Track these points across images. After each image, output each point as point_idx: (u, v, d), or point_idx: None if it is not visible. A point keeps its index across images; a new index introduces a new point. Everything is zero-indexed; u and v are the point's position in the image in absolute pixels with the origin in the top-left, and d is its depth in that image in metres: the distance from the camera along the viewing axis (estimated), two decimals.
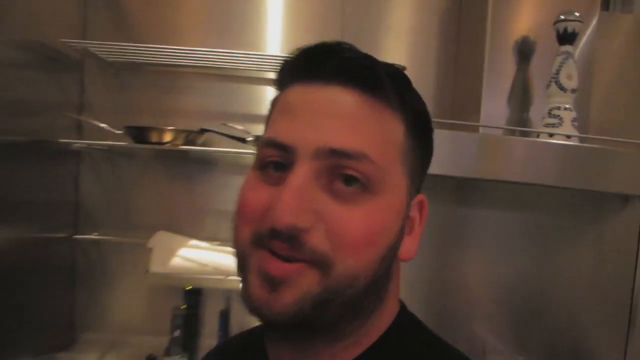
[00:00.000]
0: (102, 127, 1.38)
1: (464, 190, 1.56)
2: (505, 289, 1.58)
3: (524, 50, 1.39)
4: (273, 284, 0.46)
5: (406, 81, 0.53)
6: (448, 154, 1.13)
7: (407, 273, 1.52)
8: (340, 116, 0.47)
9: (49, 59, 1.33)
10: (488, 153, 1.19)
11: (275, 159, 0.49)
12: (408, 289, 1.53)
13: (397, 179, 0.50)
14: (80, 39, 1.42)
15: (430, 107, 0.54)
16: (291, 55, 0.52)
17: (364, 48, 0.51)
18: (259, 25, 1.51)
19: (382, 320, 0.54)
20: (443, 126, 1.23)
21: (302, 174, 0.46)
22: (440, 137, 1.12)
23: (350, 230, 0.46)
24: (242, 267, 0.49)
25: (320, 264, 0.45)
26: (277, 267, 0.46)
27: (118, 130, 1.39)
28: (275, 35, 1.51)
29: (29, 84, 1.26)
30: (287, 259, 0.46)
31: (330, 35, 0.51)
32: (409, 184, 0.52)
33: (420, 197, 0.55)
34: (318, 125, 0.47)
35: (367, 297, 0.49)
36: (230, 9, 1.50)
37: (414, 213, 0.54)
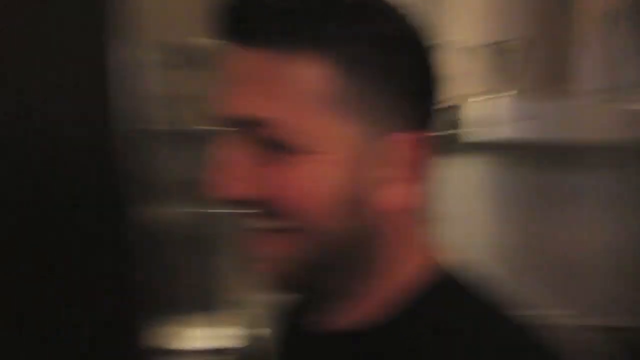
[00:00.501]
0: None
1: (566, 155, 1.57)
2: (614, 251, 1.56)
3: (615, 16, 1.42)
4: (262, 260, 0.49)
5: (337, 9, 0.44)
6: (554, 122, 1.18)
7: (504, 236, 1.57)
8: (244, 81, 0.45)
9: (179, 56, 1.53)
10: (589, 118, 1.24)
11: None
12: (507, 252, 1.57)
13: (331, 130, 0.44)
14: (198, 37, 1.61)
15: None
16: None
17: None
18: None
19: (391, 278, 0.50)
20: (542, 95, 1.29)
21: (232, 147, 0.46)
22: (542, 105, 1.19)
23: (287, 194, 0.44)
24: None
25: (292, 227, 0.46)
26: (263, 246, 0.48)
27: None
28: None
29: (166, 80, 1.46)
30: (271, 236, 0.47)
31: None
32: (362, 130, 0.45)
33: (409, 136, 0.46)
34: (232, 93, 0.45)
35: (345, 259, 0.48)
36: None
37: (411, 153, 0.47)
